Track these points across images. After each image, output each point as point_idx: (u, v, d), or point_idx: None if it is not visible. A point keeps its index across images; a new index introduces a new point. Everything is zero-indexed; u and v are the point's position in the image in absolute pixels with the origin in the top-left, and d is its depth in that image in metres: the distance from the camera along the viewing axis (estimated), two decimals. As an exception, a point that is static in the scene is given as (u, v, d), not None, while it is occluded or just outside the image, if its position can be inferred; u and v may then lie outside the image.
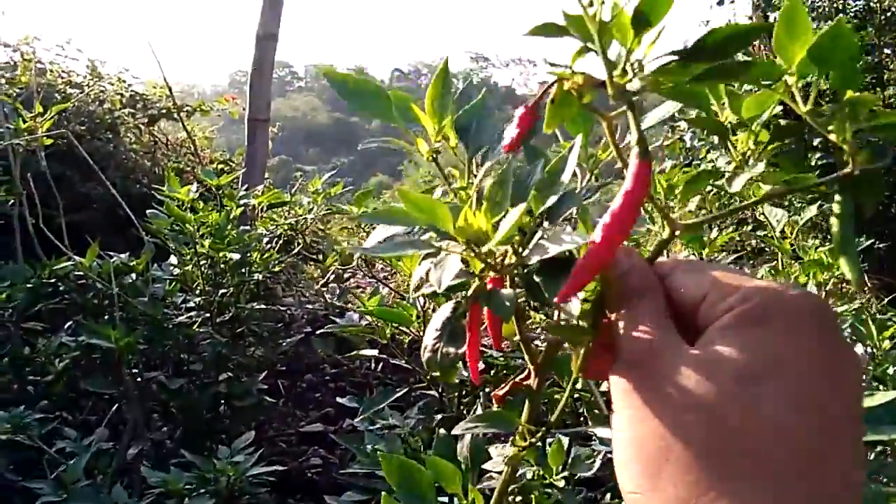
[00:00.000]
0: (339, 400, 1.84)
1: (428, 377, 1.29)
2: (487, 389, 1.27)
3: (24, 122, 1.94)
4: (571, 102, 0.41)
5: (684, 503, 0.30)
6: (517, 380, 0.53)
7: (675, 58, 0.37)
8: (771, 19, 7.67)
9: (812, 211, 1.25)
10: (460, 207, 0.43)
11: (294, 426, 2.57)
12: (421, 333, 1.21)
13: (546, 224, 0.43)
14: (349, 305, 2.97)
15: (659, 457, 0.31)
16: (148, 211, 1.83)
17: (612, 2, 0.36)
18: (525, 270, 0.44)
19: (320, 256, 4.29)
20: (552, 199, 0.43)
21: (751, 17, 7.44)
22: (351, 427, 2.33)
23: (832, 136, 0.38)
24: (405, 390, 1.22)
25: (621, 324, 0.37)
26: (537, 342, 0.63)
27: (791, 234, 1.27)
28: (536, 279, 0.43)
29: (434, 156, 0.57)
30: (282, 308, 3.22)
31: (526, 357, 0.51)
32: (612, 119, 0.41)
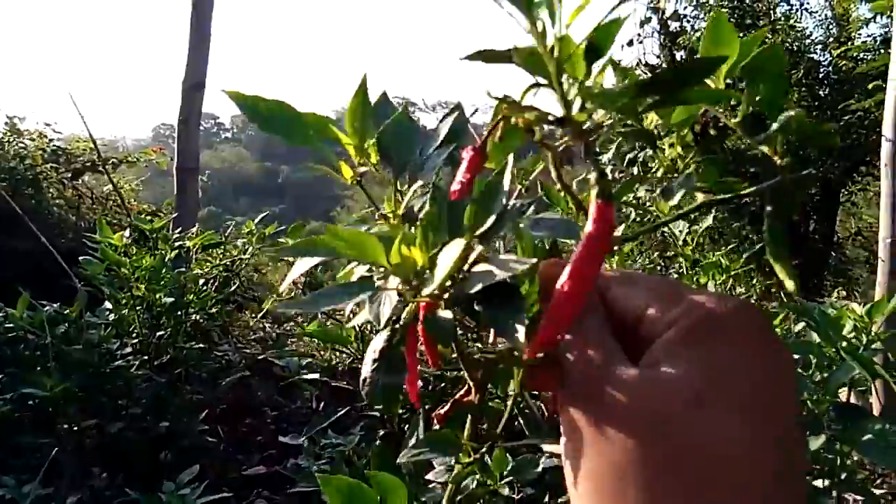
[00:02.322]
0: (281, 439, 1.86)
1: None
2: (427, 406, 1.33)
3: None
4: (516, 136, 0.40)
5: None
6: (457, 397, 0.53)
7: (633, 91, 0.36)
8: (677, 57, 8.15)
9: (709, 220, 1.39)
10: (391, 238, 0.41)
11: (236, 470, 2.54)
12: (360, 353, 1.27)
13: (479, 246, 0.41)
14: (287, 348, 2.98)
15: (617, 491, 0.31)
16: (81, 258, 1.84)
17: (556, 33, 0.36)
18: (461, 293, 0.42)
19: (255, 303, 4.28)
20: (490, 221, 0.40)
21: (658, 56, 7.90)
22: (295, 466, 2.33)
23: (764, 148, 0.40)
24: (347, 409, 1.27)
25: (566, 347, 0.36)
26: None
27: (692, 242, 1.40)
28: (478, 307, 0.40)
29: (358, 179, 0.53)
30: (218, 353, 3.19)
31: (466, 374, 0.49)
32: (557, 151, 0.39)
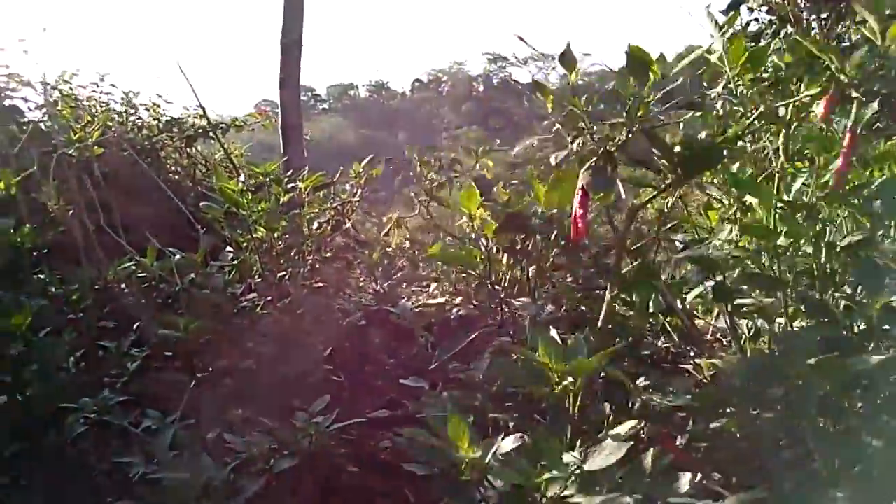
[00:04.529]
0: (402, 382, 1.86)
1: (498, 319, 1.29)
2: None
3: (76, 133, 2.01)
4: None
5: None
6: None
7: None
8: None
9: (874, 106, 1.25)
10: None
11: (360, 413, 2.60)
12: (487, 273, 1.22)
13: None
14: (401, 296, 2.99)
15: None
16: (202, 203, 1.88)
17: None
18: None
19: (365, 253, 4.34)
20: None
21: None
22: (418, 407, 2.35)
23: None
24: (477, 332, 1.23)
25: None
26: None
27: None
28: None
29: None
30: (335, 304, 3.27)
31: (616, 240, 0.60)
32: None
